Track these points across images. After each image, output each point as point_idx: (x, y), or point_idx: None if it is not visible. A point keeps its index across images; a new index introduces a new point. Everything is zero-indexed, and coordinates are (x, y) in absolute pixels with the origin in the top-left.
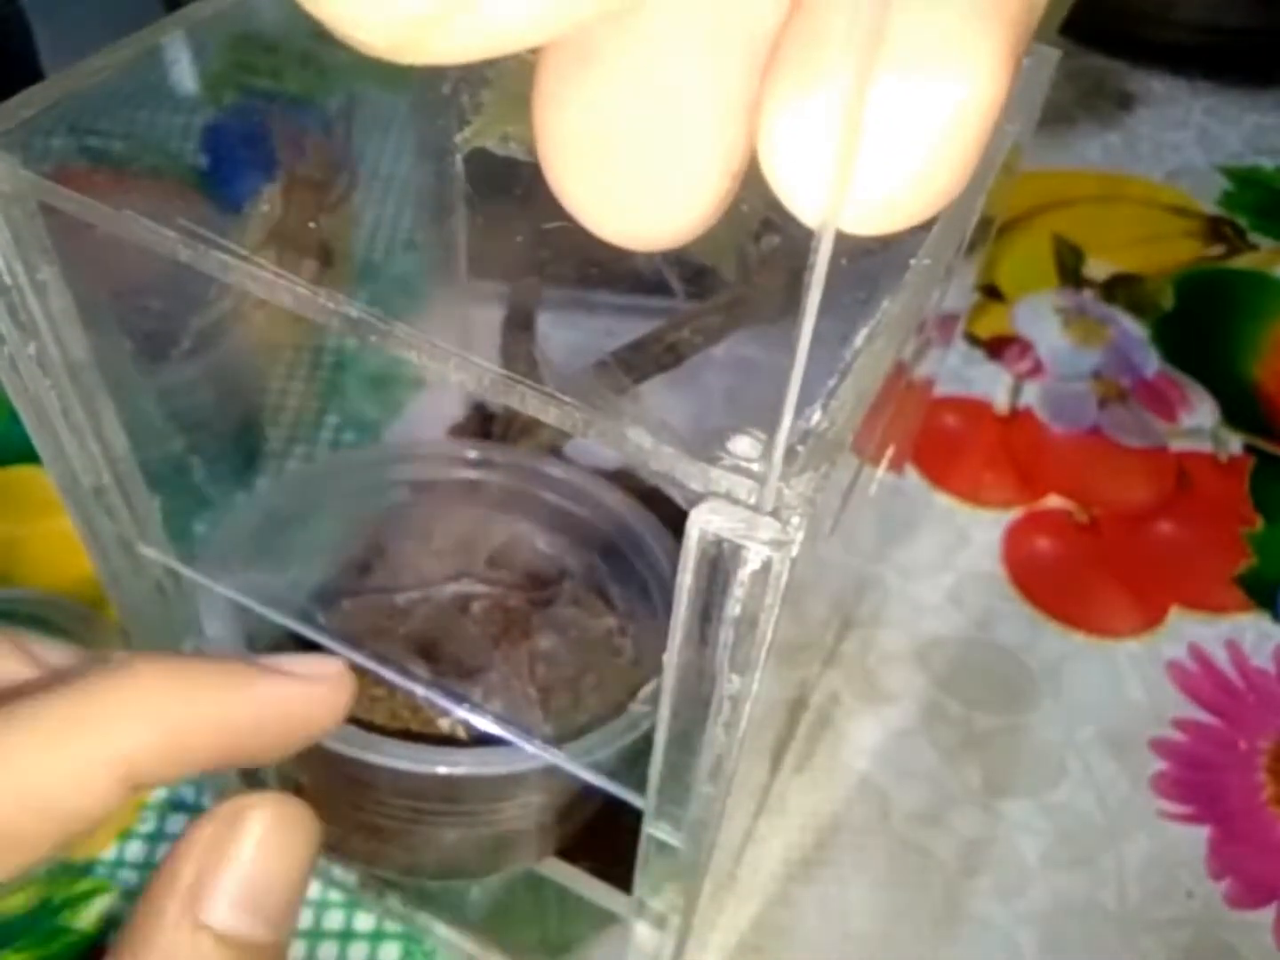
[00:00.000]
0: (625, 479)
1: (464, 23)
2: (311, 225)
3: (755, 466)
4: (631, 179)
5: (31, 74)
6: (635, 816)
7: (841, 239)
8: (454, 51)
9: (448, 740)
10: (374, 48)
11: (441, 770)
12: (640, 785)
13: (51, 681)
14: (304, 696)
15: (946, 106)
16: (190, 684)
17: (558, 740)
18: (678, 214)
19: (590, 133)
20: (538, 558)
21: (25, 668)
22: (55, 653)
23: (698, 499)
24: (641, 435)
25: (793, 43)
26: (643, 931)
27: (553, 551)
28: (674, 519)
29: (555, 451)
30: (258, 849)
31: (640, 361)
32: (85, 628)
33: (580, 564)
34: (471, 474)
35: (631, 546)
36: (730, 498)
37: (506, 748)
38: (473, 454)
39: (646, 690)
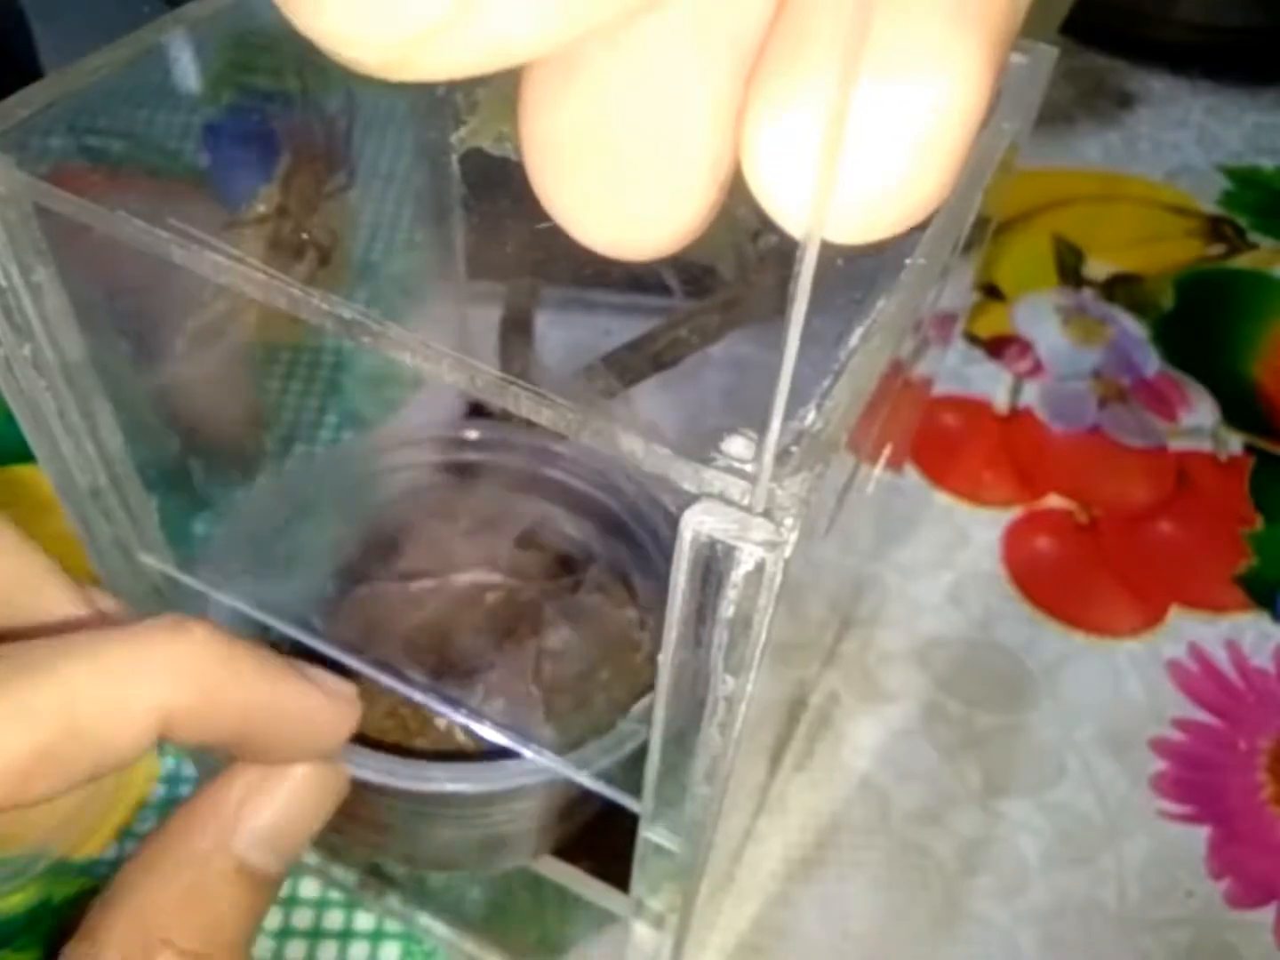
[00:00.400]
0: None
1: (455, 40)
2: (308, 226)
3: (748, 467)
4: (618, 189)
5: (31, 74)
6: (633, 816)
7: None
8: (444, 69)
9: (445, 739)
10: (365, 65)
11: (420, 788)
12: (637, 789)
13: (107, 622)
14: (323, 707)
15: (927, 113)
16: (235, 657)
17: (565, 740)
18: (665, 224)
19: (575, 143)
20: (564, 541)
21: (83, 609)
22: (111, 604)
23: (691, 500)
24: (633, 437)
25: (774, 53)
26: (641, 931)
27: (579, 535)
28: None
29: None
30: (293, 796)
31: (636, 362)
32: None
33: (606, 550)
34: (494, 457)
35: (651, 538)
36: (723, 499)
37: (493, 763)
38: (494, 436)
39: (645, 701)
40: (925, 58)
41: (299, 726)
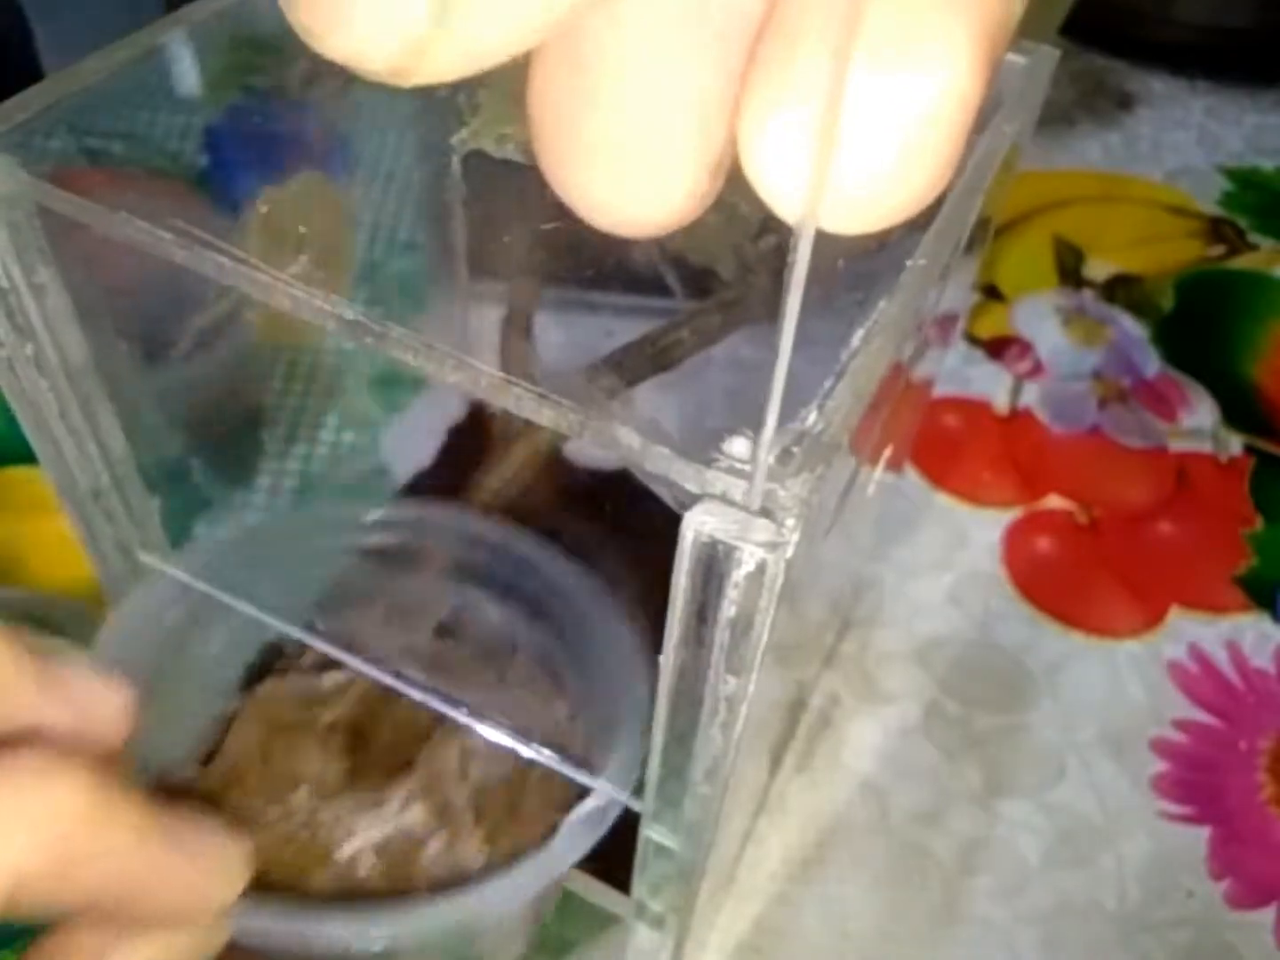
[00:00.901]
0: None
1: (451, 41)
2: (310, 227)
3: (750, 468)
4: (616, 164)
5: (31, 74)
6: (634, 818)
7: (838, 240)
8: (449, 69)
9: (347, 873)
10: (380, 74)
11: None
12: (638, 788)
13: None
14: (209, 871)
15: (921, 103)
16: (108, 813)
17: (496, 851)
18: (660, 204)
19: (576, 117)
20: (487, 629)
21: (25, 696)
22: (80, 670)
23: (692, 501)
24: (634, 437)
25: (770, 41)
26: (642, 932)
27: (502, 623)
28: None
29: (554, 452)
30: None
31: (637, 363)
32: (84, 628)
33: (531, 638)
34: (413, 540)
35: (579, 622)
36: (725, 499)
37: (394, 907)
38: (412, 516)
39: (580, 812)
40: (920, 48)
41: (178, 894)
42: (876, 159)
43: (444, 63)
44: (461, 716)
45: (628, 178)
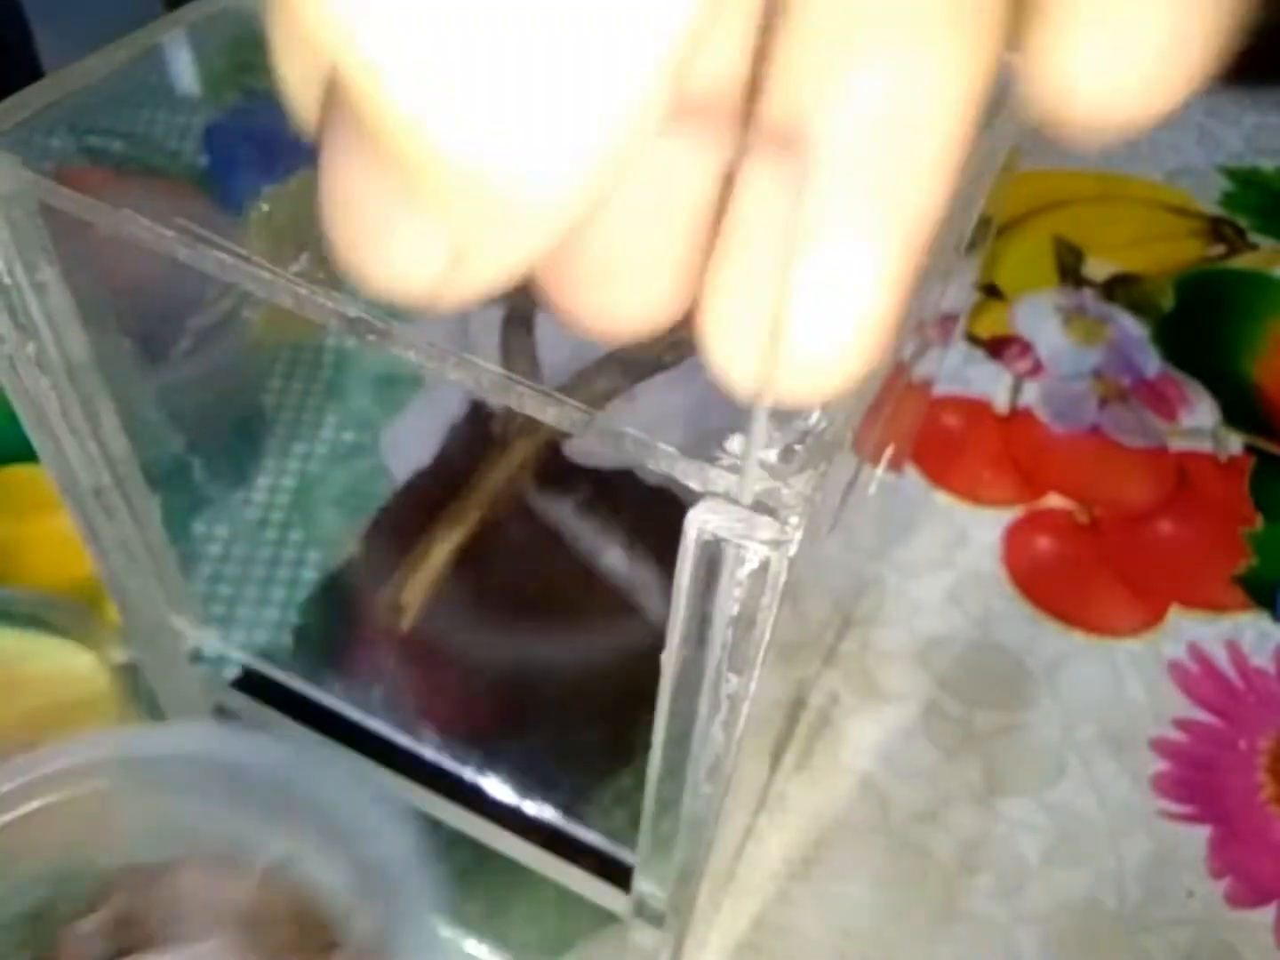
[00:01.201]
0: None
1: (470, 276)
2: (312, 224)
3: (747, 465)
4: (602, 287)
5: (31, 74)
6: (634, 816)
7: None
8: (474, 293)
9: None
10: (418, 303)
11: None
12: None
13: None
14: None
15: (847, 320)
16: None
17: None
18: (642, 315)
19: (565, 251)
20: (311, 892)
21: None
22: None
23: (695, 498)
24: (638, 435)
25: (722, 252)
26: (642, 930)
27: (333, 884)
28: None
29: (555, 451)
30: None
31: (639, 361)
32: (84, 628)
33: (366, 910)
34: (238, 772)
35: (418, 891)
36: (728, 497)
37: None
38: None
39: None
40: (845, 269)
41: None
42: (815, 356)
43: (468, 290)
44: (468, 774)
45: (612, 294)
